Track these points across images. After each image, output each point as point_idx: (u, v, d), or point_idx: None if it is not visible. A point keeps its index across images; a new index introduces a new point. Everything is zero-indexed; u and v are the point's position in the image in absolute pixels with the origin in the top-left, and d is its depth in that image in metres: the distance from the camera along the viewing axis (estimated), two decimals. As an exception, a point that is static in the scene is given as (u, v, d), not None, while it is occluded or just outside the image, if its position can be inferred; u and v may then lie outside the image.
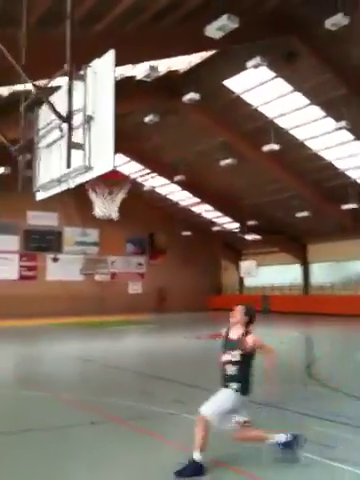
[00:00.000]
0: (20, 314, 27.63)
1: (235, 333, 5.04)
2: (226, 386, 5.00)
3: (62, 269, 31.51)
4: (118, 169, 29.05)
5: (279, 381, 9.62)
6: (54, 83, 4.87)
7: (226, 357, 5.02)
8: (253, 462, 5.07)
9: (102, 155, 4.04)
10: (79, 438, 5.82)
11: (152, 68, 13.81)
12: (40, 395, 8.07)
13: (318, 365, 12.46)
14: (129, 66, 15.83)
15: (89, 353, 14.27)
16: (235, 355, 4.96)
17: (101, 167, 4.11)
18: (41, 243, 31.57)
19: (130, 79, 17.49)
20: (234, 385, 4.93)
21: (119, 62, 12.31)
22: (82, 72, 4.21)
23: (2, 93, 15.72)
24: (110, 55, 4.07)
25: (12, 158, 5.72)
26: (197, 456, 4.67)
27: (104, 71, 4.11)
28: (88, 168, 4.14)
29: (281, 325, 24.78)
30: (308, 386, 9.13)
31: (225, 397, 4.95)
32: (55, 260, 31.15)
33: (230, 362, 4.99)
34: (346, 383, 9.22)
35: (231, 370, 4.99)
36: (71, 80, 4.03)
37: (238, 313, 5.10)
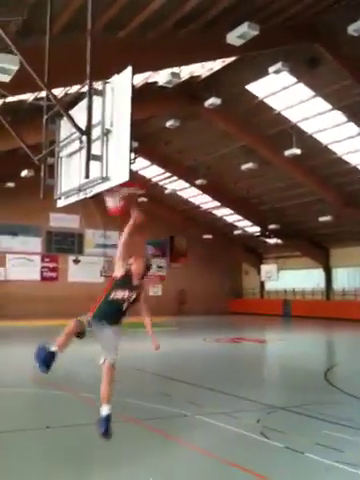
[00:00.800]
0: (42, 314, 28.17)
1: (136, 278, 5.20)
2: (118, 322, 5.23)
3: (83, 271, 31.97)
4: (140, 172, 29.44)
5: (296, 385, 9.79)
6: (74, 91, 5.08)
7: (127, 295, 5.17)
8: (263, 463, 5.19)
9: (119, 166, 4.24)
10: (94, 437, 6.01)
11: (173, 74, 14.01)
12: (60, 394, 8.33)
13: (336, 370, 12.46)
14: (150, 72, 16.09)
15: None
16: (132, 296, 5.17)
17: (117, 178, 4.31)
18: (63, 245, 32.15)
19: (152, 85, 17.75)
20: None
21: (141, 69, 12.61)
22: (101, 88, 4.41)
23: (26, 99, 16.13)
24: (128, 71, 4.27)
25: (35, 163, 5.98)
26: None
27: (122, 86, 4.30)
28: (105, 179, 4.35)
29: (301, 330, 24.71)
30: (325, 391, 9.18)
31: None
32: (76, 262, 31.61)
33: (127, 301, 5.19)
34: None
35: (124, 308, 5.21)
36: (91, 97, 4.24)
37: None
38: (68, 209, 6.45)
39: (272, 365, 14.21)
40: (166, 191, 30.22)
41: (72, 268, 32.12)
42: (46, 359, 4.86)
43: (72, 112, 4.82)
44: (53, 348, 4.98)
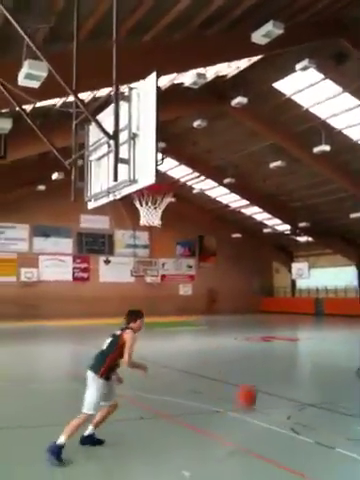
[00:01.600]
0: (74, 314, 28.74)
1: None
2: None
3: (114, 271, 32.45)
4: (168, 172, 29.64)
5: (327, 383, 9.75)
6: (102, 95, 5.24)
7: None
8: (294, 458, 5.25)
9: (145, 169, 4.38)
10: (128, 431, 6.19)
11: (199, 75, 14.10)
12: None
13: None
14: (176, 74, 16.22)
15: (140, 352, 14.65)
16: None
17: (144, 180, 4.45)
18: (93, 246, 32.73)
19: (178, 86, 17.89)
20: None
21: (166, 71, 12.73)
22: (127, 93, 4.57)
23: (55, 104, 16.48)
24: (152, 76, 4.41)
25: (65, 166, 6.19)
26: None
27: (147, 91, 4.44)
28: (133, 181, 4.50)
29: (334, 328, 24.43)
30: (356, 388, 9.14)
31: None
32: (107, 262, 32.08)
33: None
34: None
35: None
36: (117, 102, 4.39)
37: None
38: (98, 211, 6.63)
39: (303, 363, 14.16)
40: (194, 191, 30.34)
41: (103, 268, 32.61)
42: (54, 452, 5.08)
43: (100, 117, 4.99)
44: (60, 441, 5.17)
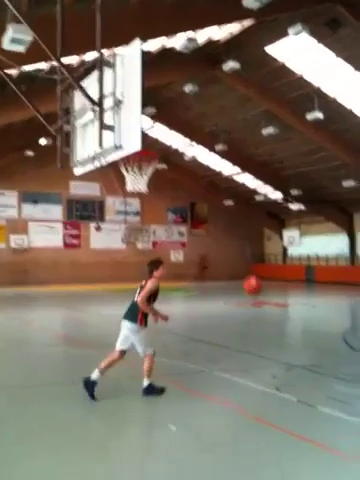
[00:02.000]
0: (66, 280, 29.05)
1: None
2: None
3: (105, 238, 32.58)
4: (160, 138, 29.41)
5: (314, 346, 10.03)
6: (88, 60, 5.21)
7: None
8: (276, 414, 5.49)
9: (130, 136, 4.41)
10: (120, 389, 6.44)
11: (190, 40, 13.88)
12: (87, 353, 8.81)
13: (354, 331, 12.67)
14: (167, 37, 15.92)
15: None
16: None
17: (130, 147, 4.49)
18: (84, 212, 32.69)
19: (169, 50, 17.60)
20: None
21: (155, 35, 12.47)
22: (111, 60, 4.55)
23: (42, 69, 16.17)
24: (136, 43, 4.39)
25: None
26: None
27: (132, 58, 4.43)
28: (118, 148, 4.54)
29: (324, 294, 24.83)
30: (341, 351, 9.42)
31: None
32: (98, 229, 32.16)
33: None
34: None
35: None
36: (102, 69, 4.39)
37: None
38: (88, 177, 6.68)
39: (292, 327, 14.48)
40: (186, 158, 30.18)
41: (94, 235, 32.69)
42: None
43: (85, 83, 4.98)
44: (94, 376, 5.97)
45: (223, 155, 29.20)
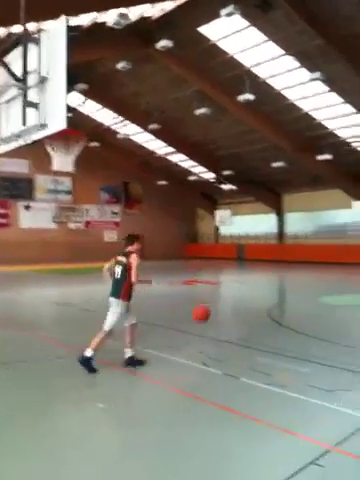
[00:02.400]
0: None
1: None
2: None
3: (35, 217, 31.71)
4: (91, 115, 28.85)
5: (241, 321, 10.44)
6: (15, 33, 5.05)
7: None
8: (202, 387, 5.72)
9: (55, 114, 4.36)
10: (48, 370, 6.45)
11: (122, 15, 13.65)
12: (19, 334, 8.71)
13: (280, 308, 13.30)
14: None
15: (66, 297, 14.85)
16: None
17: (55, 125, 4.43)
18: (12, 190, 31.42)
19: (101, 25, 17.22)
20: None
21: (85, 9, 12.06)
22: (36, 35, 4.44)
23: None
24: (62, 20, 4.31)
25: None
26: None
27: (57, 34, 4.34)
28: (42, 126, 4.47)
29: (253, 272, 25.68)
30: (265, 325, 9.87)
31: None
32: (27, 208, 31.24)
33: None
34: (300, 323, 10.04)
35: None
36: (26, 44, 4.27)
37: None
38: (15, 154, 6.52)
39: (221, 304, 14.90)
40: (118, 136, 29.81)
41: (23, 214, 31.72)
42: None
43: (9, 58, 4.84)
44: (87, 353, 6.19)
45: (157, 134, 29.14)
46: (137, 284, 6.40)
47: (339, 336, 8.57)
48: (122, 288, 6.33)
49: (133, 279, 6.30)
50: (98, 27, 17.34)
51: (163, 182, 34.88)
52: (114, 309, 6.34)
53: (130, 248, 6.54)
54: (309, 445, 4.19)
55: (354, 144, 25.34)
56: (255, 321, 10.39)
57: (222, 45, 19.85)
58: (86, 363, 6.12)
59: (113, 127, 29.96)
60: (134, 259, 6.35)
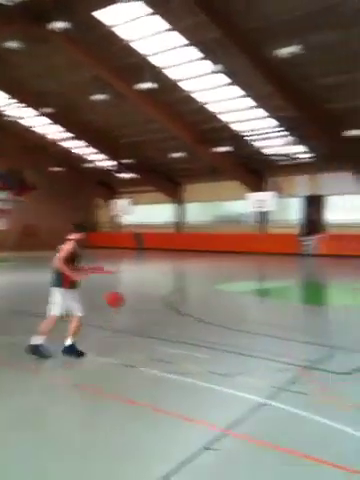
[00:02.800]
0: None
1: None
2: None
3: None
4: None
5: (137, 309, 10.37)
6: None
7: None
8: (97, 377, 5.58)
9: None
10: None
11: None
12: None
13: (176, 295, 13.47)
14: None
15: None
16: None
17: None
18: None
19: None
20: None
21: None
22: None
23: None
24: None
25: None
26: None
27: None
28: None
29: (151, 260, 25.79)
30: (161, 313, 9.93)
31: None
32: None
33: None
34: (197, 310, 10.22)
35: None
36: None
37: None
38: None
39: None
40: (10, 118, 28.15)
41: None
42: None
43: None
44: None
45: (52, 118, 28.03)
46: (63, 270, 6.22)
47: (234, 321, 8.80)
48: (61, 275, 6.27)
49: (56, 261, 6.23)
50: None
51: (57, 168, 33.53)
52: (57, 295, 6.34)
53: (70, 236, 6.52)
54: (206, 430, 4.22)
55: (250, 137, 26.21)
56: (152, 309, 10.38)
57: (120, 31, 19.42)
58: (70, 350, 6.28)
59: (5, 109, 28.28)
60: (66, 245, 6.36)
